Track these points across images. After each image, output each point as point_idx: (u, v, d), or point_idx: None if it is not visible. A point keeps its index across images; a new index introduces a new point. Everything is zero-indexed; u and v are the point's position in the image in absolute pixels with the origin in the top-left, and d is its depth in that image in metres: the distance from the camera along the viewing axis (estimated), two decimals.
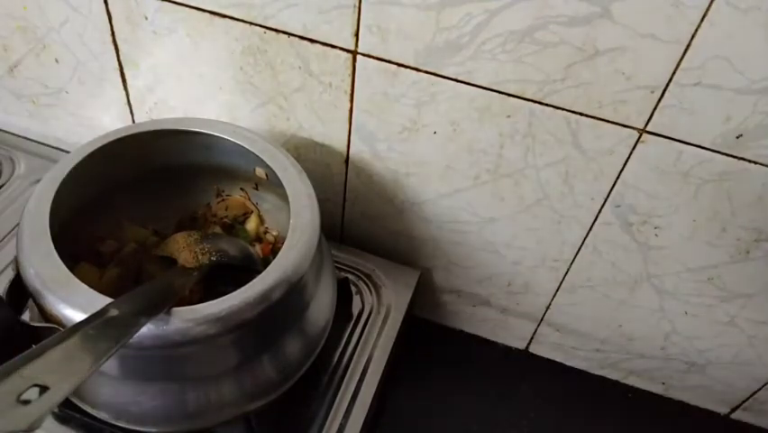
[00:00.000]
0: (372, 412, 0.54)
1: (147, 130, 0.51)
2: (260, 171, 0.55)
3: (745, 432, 0.67)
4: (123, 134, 0.50)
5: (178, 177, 0.56)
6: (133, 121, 0.65)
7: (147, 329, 0.38)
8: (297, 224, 0.46)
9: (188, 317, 0.39)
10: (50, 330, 0.38)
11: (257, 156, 0.50)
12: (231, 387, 0.44)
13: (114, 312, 0.35)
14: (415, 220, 0.61)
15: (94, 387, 0.43)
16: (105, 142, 0.49)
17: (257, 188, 0.57)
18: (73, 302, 0.39)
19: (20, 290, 0.41)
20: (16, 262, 0.42)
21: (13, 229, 0.61)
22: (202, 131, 0.51)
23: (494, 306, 0.66)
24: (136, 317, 0.36)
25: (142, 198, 0.55)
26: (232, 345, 0.43)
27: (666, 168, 0.48)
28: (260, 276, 0.42)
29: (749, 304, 0.55)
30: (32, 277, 0.40)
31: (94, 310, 0.35)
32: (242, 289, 0.41)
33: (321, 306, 0.50)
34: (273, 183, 0.51)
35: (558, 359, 0.70)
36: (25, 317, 0.46)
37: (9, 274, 0.43)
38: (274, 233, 0.57)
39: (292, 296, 0.44)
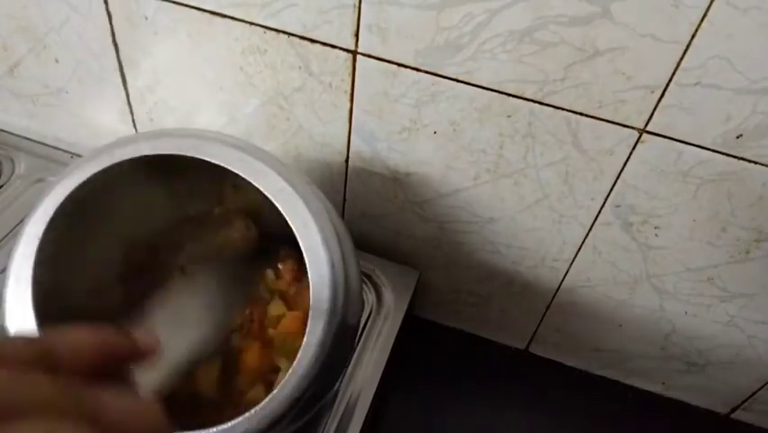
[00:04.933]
0: (372, 412, 0.54)
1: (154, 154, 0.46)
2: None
3: (745, 432, 0.67)
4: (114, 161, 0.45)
5: None
6: (133, 121, 0.65)
7: None
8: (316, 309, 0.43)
9: None
10: None
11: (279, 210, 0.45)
12: None
13: None
14: (415, 220, 0.61)
15: None
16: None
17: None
18: None
19: None
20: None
21: (13, 229, 0.61)
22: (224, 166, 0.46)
23: (494, 306, 0.66)
24: None
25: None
26: None
27: (666, 168, 0.48)
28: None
29: (749, 304, 0.55)
30: None
31: None
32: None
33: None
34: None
35: (558, 359, 0.70)
36: None
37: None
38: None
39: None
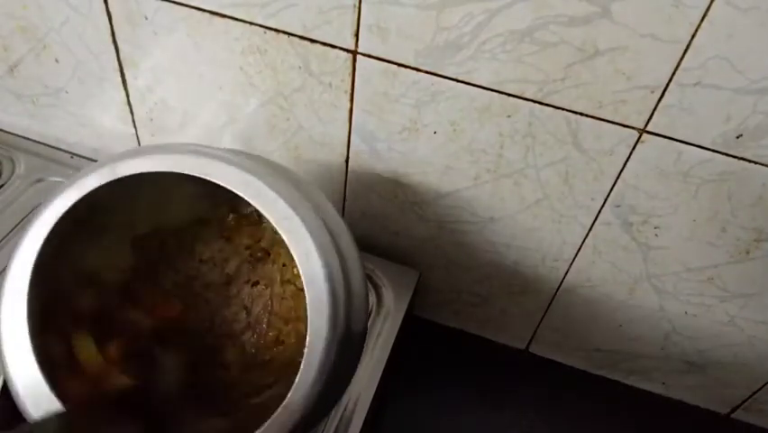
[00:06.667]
0: (372, 413, 0.54)
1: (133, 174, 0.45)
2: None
3: (745, 432, 0.67)
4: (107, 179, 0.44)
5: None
6: (133, 121, 0.65)
7: None
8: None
9: None
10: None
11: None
12: None
13: None
14: (415, 220, 0.61)
15: None
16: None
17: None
18: None
19: None
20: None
21: (13, 229, 0.61)
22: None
23: (494, 306, 0.66)
24: None
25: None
26: None
27: (666, 168, 0.48)
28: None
29: (749, 304, 0.55)
30: (15, 386, 0.41)
31: None
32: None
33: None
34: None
35: (558, 359, 0.70)
36: None
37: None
38: None
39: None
